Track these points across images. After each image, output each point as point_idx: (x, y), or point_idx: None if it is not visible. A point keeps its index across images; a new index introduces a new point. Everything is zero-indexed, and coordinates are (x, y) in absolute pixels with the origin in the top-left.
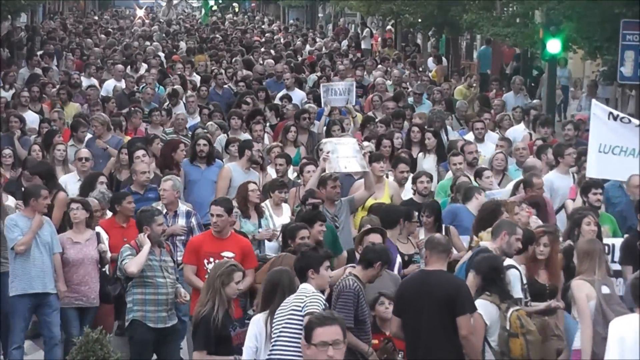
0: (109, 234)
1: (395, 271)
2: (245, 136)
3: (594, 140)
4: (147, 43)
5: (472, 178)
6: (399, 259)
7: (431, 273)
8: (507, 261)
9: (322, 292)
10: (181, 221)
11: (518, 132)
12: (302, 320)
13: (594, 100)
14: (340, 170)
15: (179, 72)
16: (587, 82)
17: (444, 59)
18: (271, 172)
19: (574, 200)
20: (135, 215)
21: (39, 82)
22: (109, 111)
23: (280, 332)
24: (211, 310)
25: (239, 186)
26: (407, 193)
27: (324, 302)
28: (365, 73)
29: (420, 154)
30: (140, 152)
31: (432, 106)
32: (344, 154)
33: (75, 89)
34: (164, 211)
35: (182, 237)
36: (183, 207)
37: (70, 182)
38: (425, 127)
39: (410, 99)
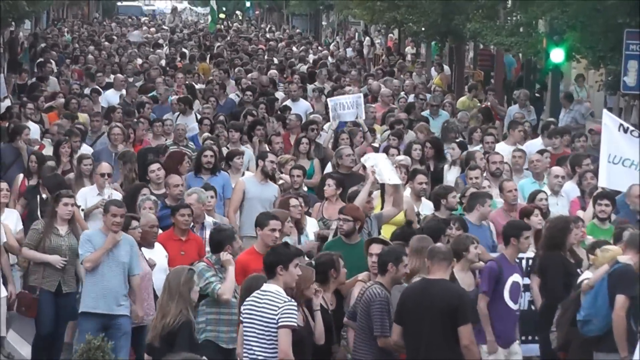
0: (167, 247)
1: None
2: (244, 148)
3: (605, 150)
4: (151, 49)
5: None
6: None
7: (433, 282)
8: None
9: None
10: (208, 233)
11: (535, 146)
12: (276, 332)
13: (605, 111)
14: (385, 182)
15: (184, 82)
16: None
17: (446, 67)
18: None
19: (583, 211)
20: (211, 233)
21: (40, 91)
22: (114, 122)
23: (254, 341)
24: (188, 317)
25: (280, 201)
26: (425, 207)
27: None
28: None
29: (446, 166)
30: (154, 166)
31: (449, 117)
32: (385, 166)
33: (80, 98)
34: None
35: None
36: (209, 219)
37: (89, 195)
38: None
39: (426, 112)
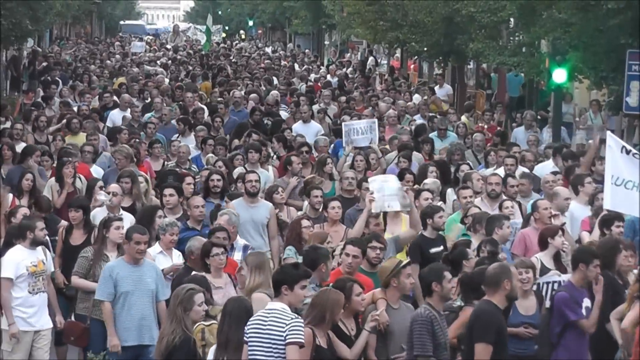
0: None
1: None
2: (262, 170)
3: (608, 172)
4: (152, 69)
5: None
6: None
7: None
8: None
9: (297, 312)
10: (237, 255)
11: (547, 168)
12: (284, 350)
13: (608, 132)
14: (384, 209)
15: (194, 101)
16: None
17: (447, 86)
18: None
19: (589, 232)
20: (307, 251)
21: (43, 110)
22: (120, 142)
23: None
24: (186, 334)
25: (292, 222)
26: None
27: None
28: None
29: (449, 190)
30: (168, 191)
31: (456, 139)
32: (390, 192)
33: (85, 119)
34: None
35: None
36: (241, 240)
37: (98, 217)
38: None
39: (434, 134)
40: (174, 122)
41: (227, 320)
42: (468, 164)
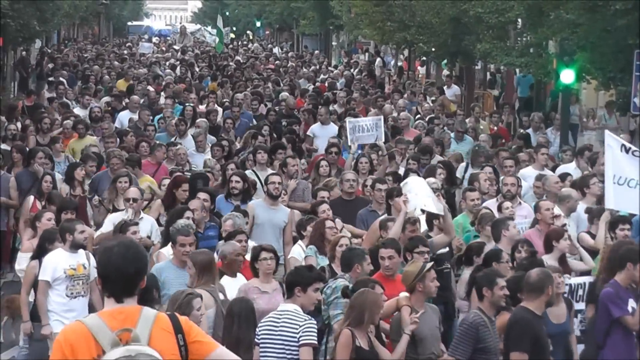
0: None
1: None
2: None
3: (609, 172)
4: (168, 71)
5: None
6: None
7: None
8: None
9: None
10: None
11: (569, 171)
12: (297, 351)
13: (607, 132)
14: (421, 207)
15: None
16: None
17: (455, 87)
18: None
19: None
20: (343, 252)
21: (40, 114)
22: (128, 144)
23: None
24: None
25: (316, 222)
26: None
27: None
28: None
29: (457, 191)
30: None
31: (473, 142)
32: (423, 192)
33: (96, 122)
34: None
35: None
36: (250, 242)
37: (119, 220)
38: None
39: (451, 135)
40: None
41: (237, 321)
42: (492, 167)
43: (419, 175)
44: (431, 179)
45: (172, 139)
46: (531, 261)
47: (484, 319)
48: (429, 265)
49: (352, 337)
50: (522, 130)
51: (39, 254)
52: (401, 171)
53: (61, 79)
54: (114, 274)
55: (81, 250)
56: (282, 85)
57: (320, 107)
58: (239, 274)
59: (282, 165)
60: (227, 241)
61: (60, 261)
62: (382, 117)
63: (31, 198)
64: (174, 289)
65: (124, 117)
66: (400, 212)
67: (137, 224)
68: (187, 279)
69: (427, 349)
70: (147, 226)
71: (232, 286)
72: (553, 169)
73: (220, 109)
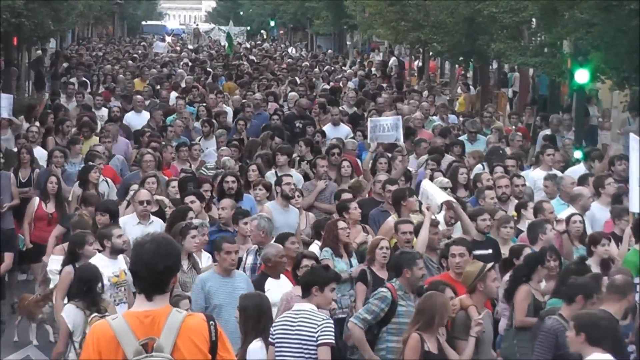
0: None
1: None
2: (294, 172)
3: (634, 174)
4: (181, 70)
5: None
6: None
7: None
8: None
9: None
10: (249, 259)
11: (578, 172)
12: (315, 351)
13: (631, 134)
14: (440, 210)
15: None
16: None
17: (472, 87)
18: None
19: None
20: (393, 256)
21: (68, 115)
22: (144, 145)
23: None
24: None
25: (329, 224)
26: (456, 231)
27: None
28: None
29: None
30: (189, 198)
31: (486, 142)
32: (435, 190)
33: (116, 122)
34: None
35: None
36: (253, 245)
37: (129, 223)
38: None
39: (464, 137)
40: (197, 124)
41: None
42: (503, 167)
43: (444, 175)
44: (443, 179)
45: (197, 140)
46: (579, 266)
47: (564, 324)
48: (489, 265)
49: (420, 342)
50: (539, 130)
51: (71, 259)
52: (413, 166)
53: (72, 79)
54: (143, 270)
55: (120, 256)
56: (298, 85)
57: (331, 107)
58: (282, 276)
59: (312, 166)
60: (276, 244)
61: (102, 269)
62: (400, 117)
63: (36, 200)
64: (219, 299)
65: (130, 118)
66: (425, 217)
67: (196, 227)
68: (232, 287)
69: (485, 354)
70: (157, 230)
71: (276, 288)
72: (561, 170)
73: (229, 110)
